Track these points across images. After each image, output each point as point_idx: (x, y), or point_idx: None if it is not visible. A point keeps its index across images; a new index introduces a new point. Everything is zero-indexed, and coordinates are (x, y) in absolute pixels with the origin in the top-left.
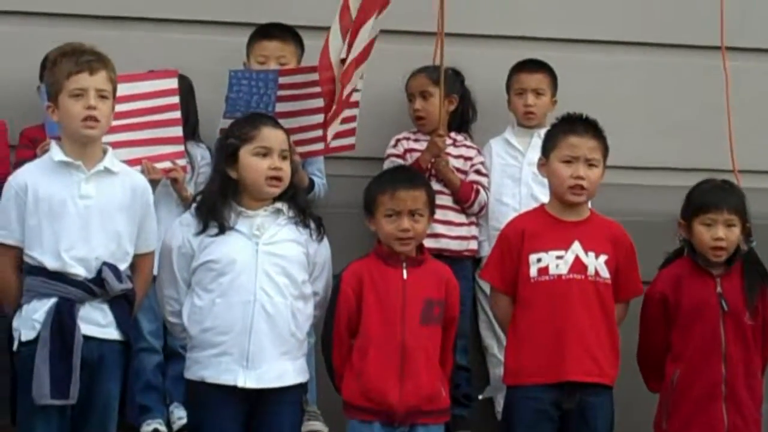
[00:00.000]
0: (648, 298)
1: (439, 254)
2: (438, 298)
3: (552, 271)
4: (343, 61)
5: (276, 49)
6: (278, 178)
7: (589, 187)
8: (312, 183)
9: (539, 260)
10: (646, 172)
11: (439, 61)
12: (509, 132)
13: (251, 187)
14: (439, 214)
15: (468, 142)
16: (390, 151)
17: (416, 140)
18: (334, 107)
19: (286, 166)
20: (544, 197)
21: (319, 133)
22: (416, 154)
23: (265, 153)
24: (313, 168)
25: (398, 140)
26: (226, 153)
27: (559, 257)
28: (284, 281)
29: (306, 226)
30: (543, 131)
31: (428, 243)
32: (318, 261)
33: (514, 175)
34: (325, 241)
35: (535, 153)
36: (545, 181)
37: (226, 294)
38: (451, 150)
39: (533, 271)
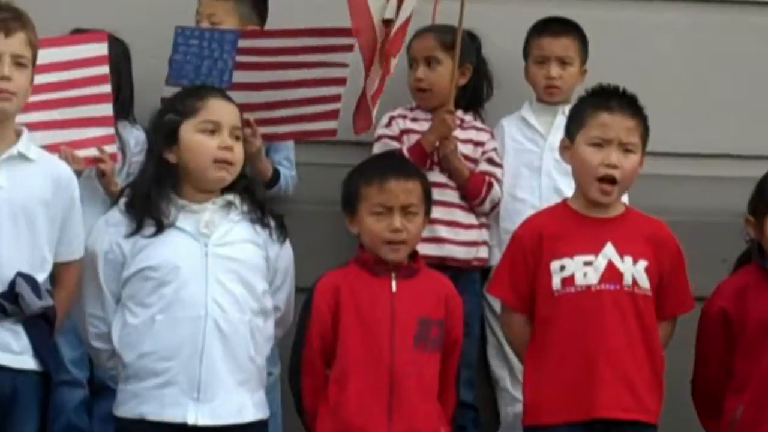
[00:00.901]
0: (705, 315)
1: (442, 264)
2: (436, 317)
3: (579, 281)
4: (386, 22)
5: (207, 4)
6: (228, 161)
7: (622, 178)
8: (277, 174)
9: (563, 268)
10: (697, 161)
11: (455, 21)
12: (527, 109)
13: (195, 172)
14: (442, 213)
15: (479, 124)
16: (382, 131)
17: (414, 119)
18: (376, 83)
19: (238, 148)
20: (570, 190)
21: (292, 112)
22: (414, 137)
23: (213, 129)
24: (279, 156)
25: (392, 118)
26: (164, 131)
27: (588, 263)
28: (241, 291)
29: (264, 224)
30: (569, 108)
31: (429, 250)
32: (279, 267)
33: (532, 164)
34: (288, 244)
35: (558, 136)
36: (569, 170)
37: (170, 309)
38: (457, 133)
39: (555, 282)
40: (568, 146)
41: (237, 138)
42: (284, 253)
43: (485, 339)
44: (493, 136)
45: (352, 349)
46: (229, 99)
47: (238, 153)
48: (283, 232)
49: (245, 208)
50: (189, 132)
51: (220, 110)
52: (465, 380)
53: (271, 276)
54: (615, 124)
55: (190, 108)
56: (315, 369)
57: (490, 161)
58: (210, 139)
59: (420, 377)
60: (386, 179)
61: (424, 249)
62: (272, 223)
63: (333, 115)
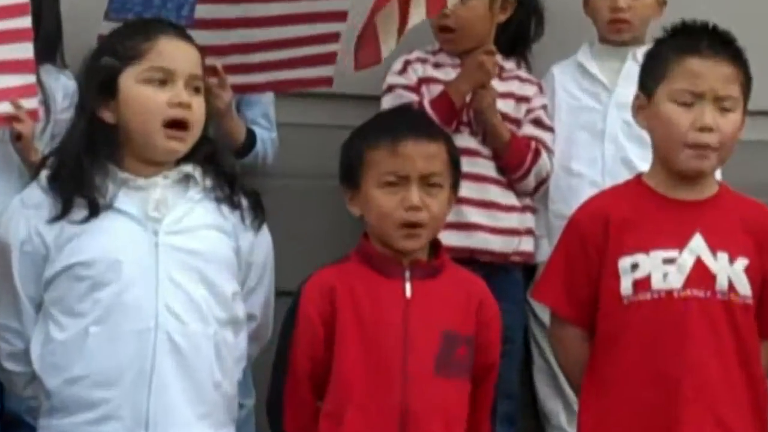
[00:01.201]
0: None
1: (472, 260)
2: (465, 331)
3: (657, 284)
4: None
5: None
6: (183, 123)
7: (719, 144)
8: (252, 137)
9: (635, 267)
10: None
11: None
12: (585, 53)
13: (138, 137)
14: (473, 191)
15: (523, 73)
16: (394, 79)
17: (437, 65)
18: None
19: (197, 104)
20: (645, 163)
21: (273, 55)
22: (437, 88)
23: (163, 80)
24: (254, 113)
25: (408, 63)
26: (98, 80)
27: (670, 261)
28: (203, 295)
29: (234, 205)
30: (642, 51)
31: (454, 240)
32: (254, 262)
33: (592, 126)
34: (265, 230)
35: (628, 88)
36: (646, 136)
37: (108, 319)
38: (495, 85)
39: (625, 286)
40: (643, 104)
41: (197, 90)
42: (260, 244)
43: (530, 361)
44: (541, 90)
45: (351, 374)
46: (187, 39)
47: (197, 111)
48: (259, 215)
49: (208, 183)
50: (130, 82)
51: (174, 53)
52: (503, 416)
53: (244, 274)
54: (708, 73)
55: (134, 50)
56: (301, 400)
57: (538, 123)
58: (159, 92)
59: (443, 413)
60: (400, 140)
61: (448, 238)
62: (244, 203)
63: (329, 58)
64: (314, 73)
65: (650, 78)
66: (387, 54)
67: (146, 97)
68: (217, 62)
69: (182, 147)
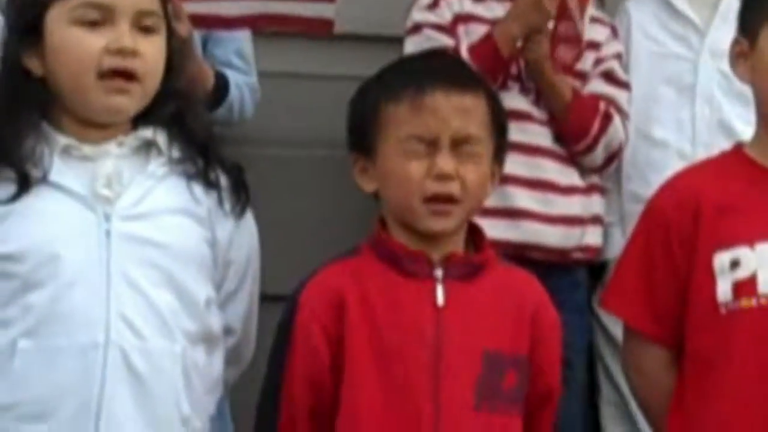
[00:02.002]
0: None
1: (520, 257)
2: (515, 351)
3: (765, 287)
4: None
5: None
6: (126, 73)
7: None
8: (224, 82)
9: (736, 264)
10: None
11: None
12: None
13: (71, 93)
14: (524, 167)
15: (593, 11)
16: (421, 16)
17: None
18: None
19: (150, 48)
20: (750, 127)
21: None
22: (479, 29)
23: (98, 20)
24: (225, 50)
25: None
26: (22, 20)
27: None
28: (169, 301)
29: (209, 182)
30: None
31: (499, 231)
32: (235, 258)
33: (681, 79)
34: (249, 218)
35: (728, 29)
36: (749, 92)
37: (43, 330)
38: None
39: (723, 290)
40: (744, 50)
41: (148, 30)
42: (243, 235)
43: (595, 389)
44: (615, 34)
45: (366, 408)
46: None
47: (149, 57)
48: (241, 197)
49: (176, 153)
50: (59, 23)
51: None
52: None
53: (221, 275)
54: None
55: None
56: None
57: (609, 77)
58: (93, 35)
59: None
60: (426, 91)
61: (490, 229)
62: (223, 182)
63: None
64: (308, 10)
65: (753, 15)
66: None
67: (76, 42)
68: None
69: (128, 103)
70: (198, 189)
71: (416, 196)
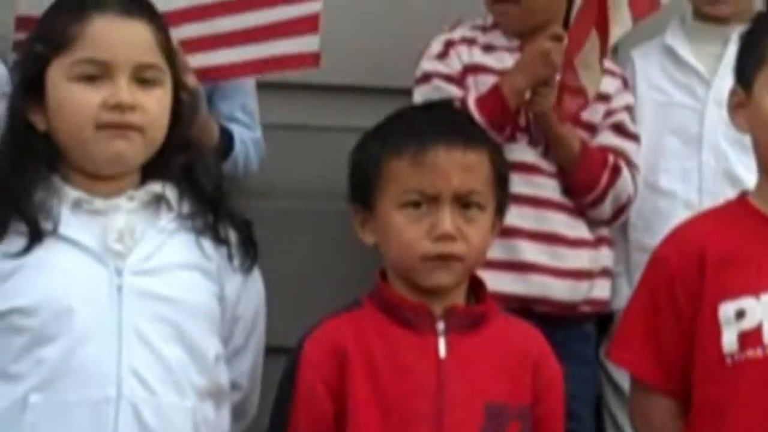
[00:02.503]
0: None
1: (526, 310)
2: (517, 402)
3: None
4: None
5: None
6: (122, 125)
7: None
8: (229, 138)
9: (742, 315)
10: None
11: None
12: (675, 33)
13: (73, 148)
14: (531, 220)
15: (606, 62)
16: (431, 66)
17: (488, 47)
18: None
19: (152, 101)
20: (753, 177)
21: (241, 21)
22: (488, 80)
23: (97, 74)
24: (230, 106)
25: (450, 44)
26: (26, 76)
27: None
28: (179, 357)
29: (219, 238)
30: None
31: (505, 284)
32: (242, 314)
33: (687, 129)
34: (257, 274)
35: (730, 80)
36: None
37: (55, 384)
38: None
39: (728, 340)
40: (742, 101)
41: (149, 83)
42: (250, 290)
43: None
44: (626, 85)
45: None
46: (132, 14)
47: (150, 110)
48: (250, 252)
49: (186, 208)
50: (58, 79)
51: (112, 37)
52: None
53: (228, 330)
54: None
55: (62, 35)
56: None
57: (619, 129)
58: (91, 91)
59: None
60: (428, 147)
61: (496, 282)
62: (232, 236)
63: (310, 24)
64: (295, 47)
65: (748, 65)
66: (594, 93)
67: (75, 98)
68: (172, 36)
69: (129, 148)
70: (207, 244)
71: (415, 256)
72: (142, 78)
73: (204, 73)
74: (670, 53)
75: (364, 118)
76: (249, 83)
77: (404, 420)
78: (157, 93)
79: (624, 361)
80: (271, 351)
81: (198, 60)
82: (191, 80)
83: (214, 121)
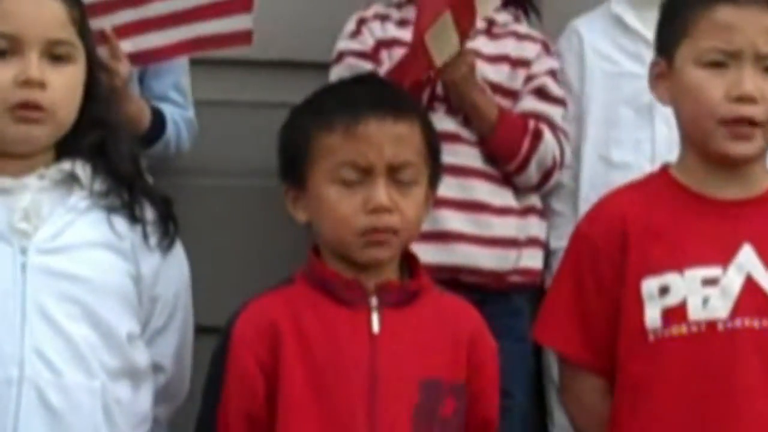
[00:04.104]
0: None
1: (454, 281)
2: (452, 378)
3: (695, 313)
4: None
5: None
6: (34, 105)
7: (766, 118)
8: (160, 118)
9: (665, 291)
10: None
11: None
12: (620, 1)
13: None
14: (451, 189)
15: (522, 28)
16: (344, 45)
17: (402, 22)
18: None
19: (61, 79)
20: None
21: (173, 4)
22: (401, 53)
23: (7, 49)
24: (163, 84)
25: (362, 22)
26: None
27: (711, 282)
28: (87, 335)
29: (134, 216)
30: None
31: (428, 255)
32: (161, 294)
33: (638, 98)
34: (178, 252)
35: None
36: None
37: None
38: (479, 45)
39: (652, 317)
40: (663, 72)
41: (60, 59)
42: (171, 270)
43: (547, 413)
44: (548, 50)
45: None
46: None
47: (58, 88)
48: (169, 230)
49: (98, 186)
50: None
51: (22, 12)
52: None
53: (147, 311)
54: (745, 24)
55: None
56: None
57: (541, 93)
58: (2, 67)
59: None
60: (360, 119)
61: (422, 253)
62: (149, 214)
63: (244, 3)
64: (228, 25)
65: (668, 35)
66: (441, 62)
67: None
68: (105, 23)
69: (39, 131)
70: (121, 223)
71: (350, 230)
72: (53, 54)
73: (138, 57)
74: (618, 21)
75: (293, 93)
76: (182, 61)
77: (337, 396)
78: (69, 70)
79: (551, 341)
80: (202, 331)
81: (131, 44)
82: (126, 67)
83: (146, 102)
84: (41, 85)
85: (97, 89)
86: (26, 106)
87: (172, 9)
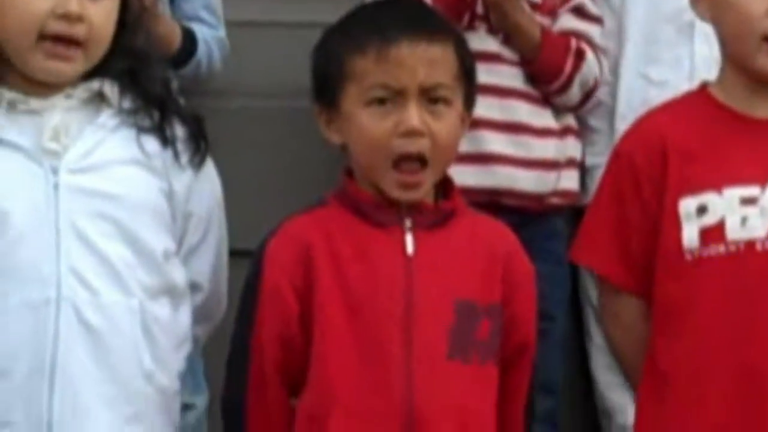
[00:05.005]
0: None
1: (493, 204)
2: (487, 300)
3: (734, 233)
4: None
5: None
6: (66, 38)
7: None
8: (191, 38)
9: (703, 210)
10: None
11: None
12: None
13: (12, 53)
14: (492, 109)
15: None
16: None
17: None
18: None
19: (99, 12)
20: None
21: None
22: None
23: None
24: (193, 4)
25: None
26: None
27: (750, 201)
28: (123, 254)
29: (163, 136)
30: None
31: (467, 177)
32: (195, 211)
33: (678, 16)
34: (210, 169)
35: None
36: None
37: None
38: None
39: (690, 236)
40: None
41: None
42: (203, 187)
43: (586, 335)
44: None
45: (337, 362)
46: None
47: (97, 23)
48: (200, 148)
49: (127, 103)
50: None
51: None
52: (543, 416)
53: (181, 228)
54: None
55: None
56: (270, 398)
57: (579, 12)
58: None
59: (459, 412)
60: (391, 41)
61: (461, 175)
62: (179, 133)
63: None
64: None
65: None
66: None
67: (21, 1)
68: None
69: (69, 68)
70: (152, 143)
71: (383, 157)
72: None
73: None
74: None
75: (327, 13)
76: None
77: (373, 318)
78: (105, 4)
79: (590, 262)
80: (235, 254)
81: None
82: None
83: (176, 22)
84: (80, 18)
85: (129, 16)
86: (61, 39)
87: None
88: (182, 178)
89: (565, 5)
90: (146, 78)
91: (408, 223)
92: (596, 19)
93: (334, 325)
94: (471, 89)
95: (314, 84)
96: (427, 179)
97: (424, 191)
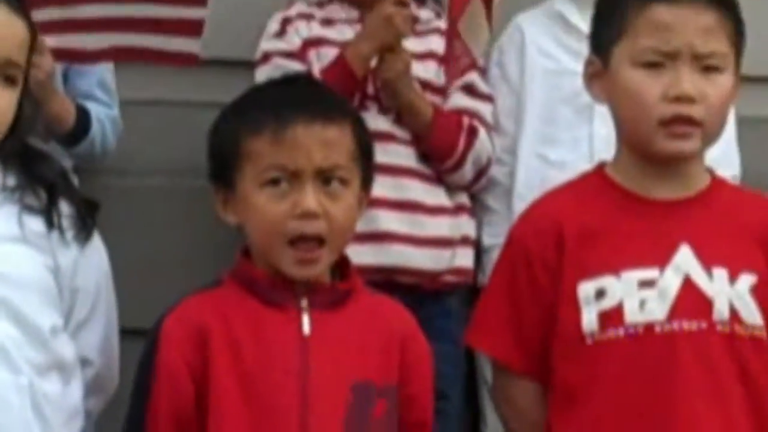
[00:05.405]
0: None
1: (388, 282)
2: (384, 381)
3: (632, 316)
4: None
5: None
6: None
7: (706, 116)
8: (86, 117)
9: (602, 294)
10: None
11: None
12: None
13: None
14: (385, 188)
15: (444, 24)
16: (269, 45)
17: (327, 21)
18: None
19: (5, 99)
20: None
21: (112, 10)
22: (329, 53)
23: None
24: (88, 82)
25: (287, 21)
26: None
27: (648, 284)
28: (10, 333)
29: (48, 211)
30: None
31: (362, 256)
32: (81, 285)
33: (577, 97)
34: (97, 244)
35: None
36: None
37: None
38: (409, 44)
39: (589, 320)
40: (599, 71)
41: (8, 81)
42: (89, 261)
43: (480, 416)
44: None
45: None
46: (12, 6)
47: (4, 108)
48: (85, 224)
49: (11, 181)
50: None
51: None
52: None
53: (68, 303)
54: (681, 23)
55: None
56: None
57: (470, 90)
58: None
59: None
60: (287, 122)
61: (356, 255)
62: (65, 209)
63: (195, 28)
64: (173, 45)
65: (604, 35)
66: (482, 52)
67: None
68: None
69: None
70: (36, 222)
71: (280, 237)
72: (5, 75)
73: (62, 54)
74: (560, 19)
75: (221, 93)
76: (107, 63)
77: (268, 400)
78: (12, 93)
79: (484, 345)
80: (129, 333)
81: (55, 40)
82: (49, 62)
83: (71, 100)
84: None
85: (25, 112)
86: None
87: (110, 14)
88: (68, 254)
89: (456, 84)
90: (35, 158)
91: (304, 302)
92: (487, 98)
93: (230, 407)
94: (369, 169)
95: (211, 164)
96: (325, 256)
97: (321, 268)
